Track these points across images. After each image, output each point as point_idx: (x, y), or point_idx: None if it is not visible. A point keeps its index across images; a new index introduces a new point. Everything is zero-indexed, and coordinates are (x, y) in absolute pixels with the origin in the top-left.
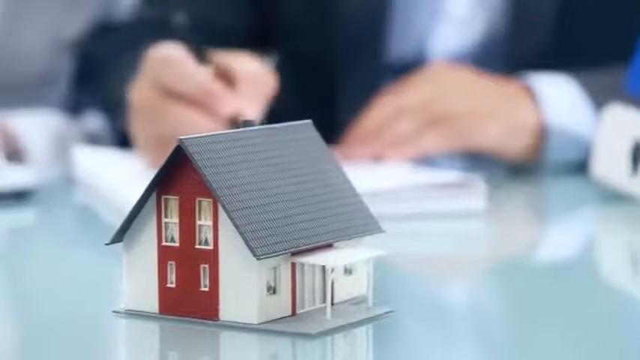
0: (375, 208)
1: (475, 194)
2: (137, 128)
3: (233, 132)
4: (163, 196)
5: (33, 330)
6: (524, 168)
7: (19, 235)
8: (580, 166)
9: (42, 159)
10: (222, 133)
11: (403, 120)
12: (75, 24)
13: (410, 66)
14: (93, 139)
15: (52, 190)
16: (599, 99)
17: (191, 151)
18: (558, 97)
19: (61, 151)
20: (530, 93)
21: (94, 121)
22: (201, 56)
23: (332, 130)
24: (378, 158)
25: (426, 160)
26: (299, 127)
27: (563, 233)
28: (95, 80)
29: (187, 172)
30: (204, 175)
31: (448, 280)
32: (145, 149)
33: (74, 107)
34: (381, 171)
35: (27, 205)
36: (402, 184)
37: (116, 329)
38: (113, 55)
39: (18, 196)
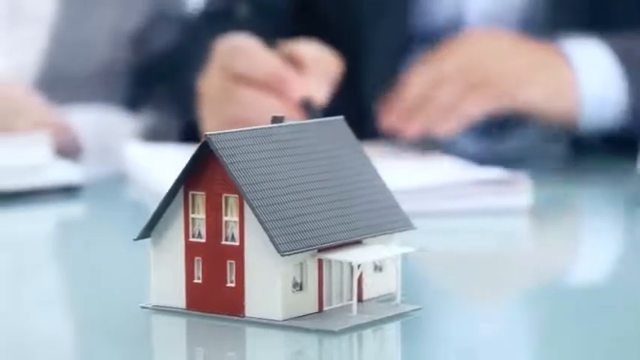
0: (419, 205)
1: (520, 191)
2: (208, 115)
3: (261, 128)
4: (190, 192)
5: (64, 323)
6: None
7: (65, 229)
8: (613, 134)
9: (96, 154)
10: (250, 129)
11: (444, 88)
12: (134, 16)
13: (444, 29)
14: (149, 135)
15: (104, 185)
16: (631, 65)
17: (217, 147)
18: (592, 63)
19: (116, 146)
20: (566, 58)
21: (151, 116)
22: (269, 44)
23: (360, 98)
24: (426, 131)
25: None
26: (329, 123)
27: (609, 233)
28: (162, 73)
29: (214, 168)
30: (230, 170)
31: (483, 279)
32: None
33: (132, 102)
34: (426, 167)
35: (77, 200)
36: (446, 181)
37: (144, 325)
38: (183, 47)
39: (66, 191)
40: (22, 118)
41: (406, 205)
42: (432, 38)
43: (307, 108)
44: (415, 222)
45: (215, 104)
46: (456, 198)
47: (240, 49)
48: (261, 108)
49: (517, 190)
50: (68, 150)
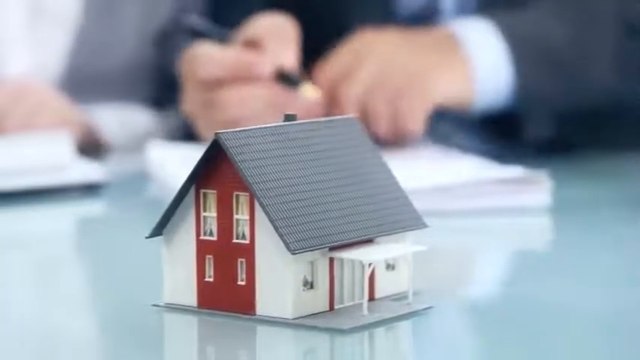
0: (438, 204)
1: (540, 190)
2: (203, 129)
3: (272, 126)
4: (202, 190)
5: (78, 321)
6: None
7: (85, 227)
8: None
9: (120, 153)
10: (260, 128)
11: (375, 98)
12: (159, 16)
13: (422, 17)
14: (174, 134)
15: (127, 183)
16: (518, 42)
17: (228, 145)
18: (482, 44)
19: (140, 145)
20: (456, 40)
21: (176, 115)
22: (221, 38)
23: None
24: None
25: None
26: (342, 121)
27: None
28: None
29: (225, 166)
30: (241, 169)
31: (498, 278)
32: None
33: (157, 101)
34: (444, 166)
35: (98, 198)
36: (465, 180)
37: (155, 323)
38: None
39: (87, 190)
40: (45, 116)
41: (425, 204)
42: (413, 21)
43: (284, 78)
44: (433, 221)
45: (202, 118)
46: (475, 197)
47: (196, 58)
48: (245, 102)
49: (537, 189)
50: (91, 148)
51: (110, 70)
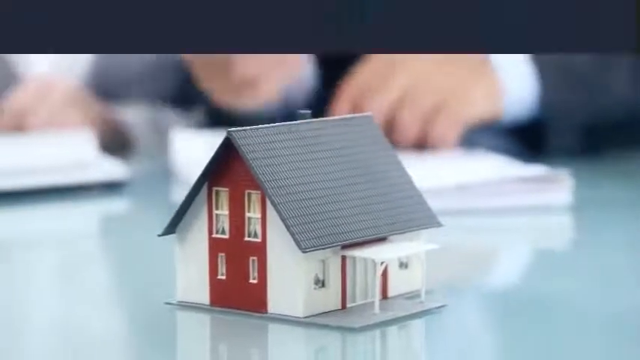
0: (460, 203)
1: (562, 189)
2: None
3: (285, 124)
4: (214, 188)
5: (92, 318)
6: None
7: (107, 225)
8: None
9: (146, 151)
10: (273, 126)
11: (404, 112)
12: None
13: None
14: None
15: (151, 181)
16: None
17: (240, 143)
18: (507, 60)
19: (166, 143)
20: (488, 62)
21: (201, 114)
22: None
23: None
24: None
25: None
26: (356, 119)
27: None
28: None
29: (237, 164)
30: (252, 166)
31: (516, 276)
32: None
33: (182, 100)
34: (466, 165)
35: (122, 196)
36: (487, 178)
37: (168, 320)
38: None
39: (110, 188)
40: (70, 114)
41: (446, 203)
42: None
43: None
44: (452, 220)
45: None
46: (497, 195)
47: None
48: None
49: (558, 188)
50: (116, 146)
51: (135, 68)
